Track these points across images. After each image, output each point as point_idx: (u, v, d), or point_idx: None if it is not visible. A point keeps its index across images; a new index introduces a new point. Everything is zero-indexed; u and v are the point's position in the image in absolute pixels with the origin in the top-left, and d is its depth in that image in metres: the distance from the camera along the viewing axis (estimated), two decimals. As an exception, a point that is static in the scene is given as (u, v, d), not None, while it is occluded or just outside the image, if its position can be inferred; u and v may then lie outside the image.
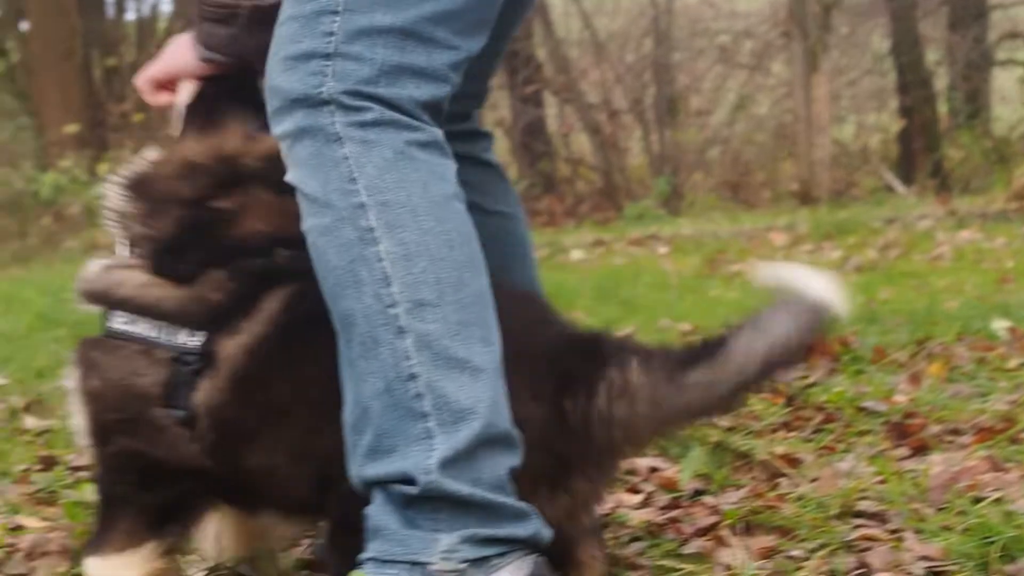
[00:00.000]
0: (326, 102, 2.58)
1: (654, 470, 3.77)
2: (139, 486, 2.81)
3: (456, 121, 3.19)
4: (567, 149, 19.00)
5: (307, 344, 2.74)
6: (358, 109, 2.58)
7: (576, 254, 11.96)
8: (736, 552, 3.11)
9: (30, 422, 4.81)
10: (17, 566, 3.29)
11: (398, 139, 2.59)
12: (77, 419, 2.88)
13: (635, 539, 3.29)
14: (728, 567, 3.04)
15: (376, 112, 2.58)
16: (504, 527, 2.55)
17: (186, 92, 3.07)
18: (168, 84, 3.11)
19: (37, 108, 18.89)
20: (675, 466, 3.77)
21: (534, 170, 18.31)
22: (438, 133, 2.66)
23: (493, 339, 2.60)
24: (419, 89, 2.62)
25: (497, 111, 18.22)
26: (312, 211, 2.60)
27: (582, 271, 10.26)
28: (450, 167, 2.66)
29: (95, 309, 2.90)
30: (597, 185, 18.71)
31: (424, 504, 2.52)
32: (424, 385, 2.52)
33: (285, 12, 2.68)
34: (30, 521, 3.63)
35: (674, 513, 3.44)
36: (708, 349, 2.72)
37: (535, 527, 2.58)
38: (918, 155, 18.70)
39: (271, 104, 2.66)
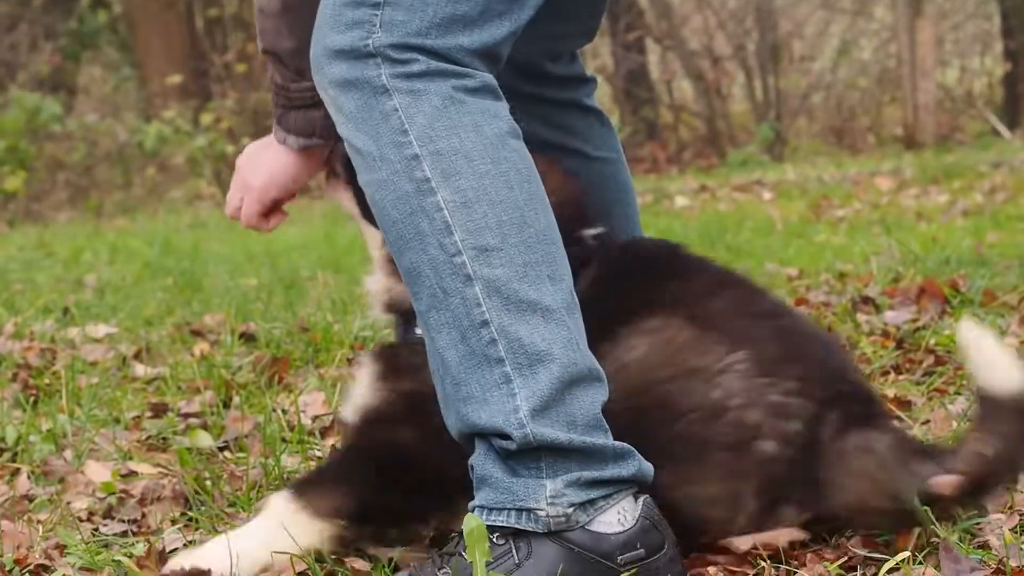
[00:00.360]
0: (372, 55, 2.54)
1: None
2: (383, 476, 2.81)
3: (560, 64, 3.21)
4: (670, 96, 18.90)
5: (615, 316, 2.78)
6: (404, 61, 2.54)
7: (680, 200, 11.91)
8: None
9: (140, 370, 4.84)
10: (130, 512, 3.32)
11: (445, 86, 2.54)
12: (360, 403, 2.90)
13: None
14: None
15: (422, 63, 2.54)
16: (607, 468, 2.54)
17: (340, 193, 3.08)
18: (276, 205, 3.07)
19: (140, 59, 19.02)
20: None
21: (637, 117, 18.25)
22: (489, 78, 2.60)
23: (562, 275, 2.58)
24: (470, 38, 2.57)
25: (599, 58, 18.17)
26: (367, 166, 2.58)
27: (686, 217, 10.21)
28: (503, 107, 2.61)
29: (388, 318, 3.02)
30: (700, 132, 18.63)
31: (524, 455, 2.52)
32: (497, 330, 2.51)
33: None
34: (142, 467, 3.66)
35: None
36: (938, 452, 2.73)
37: (638, 465, 2.57)
38: (1023, 99, 18.43)
39: (315, 55, 2.63)
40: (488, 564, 2.48)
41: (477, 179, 2.53)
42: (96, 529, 3.21)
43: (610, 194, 3.27)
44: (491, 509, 2.55)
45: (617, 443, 2.56)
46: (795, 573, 2.59)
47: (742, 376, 2.71)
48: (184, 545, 2.99)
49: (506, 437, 2.50)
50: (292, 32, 2.84)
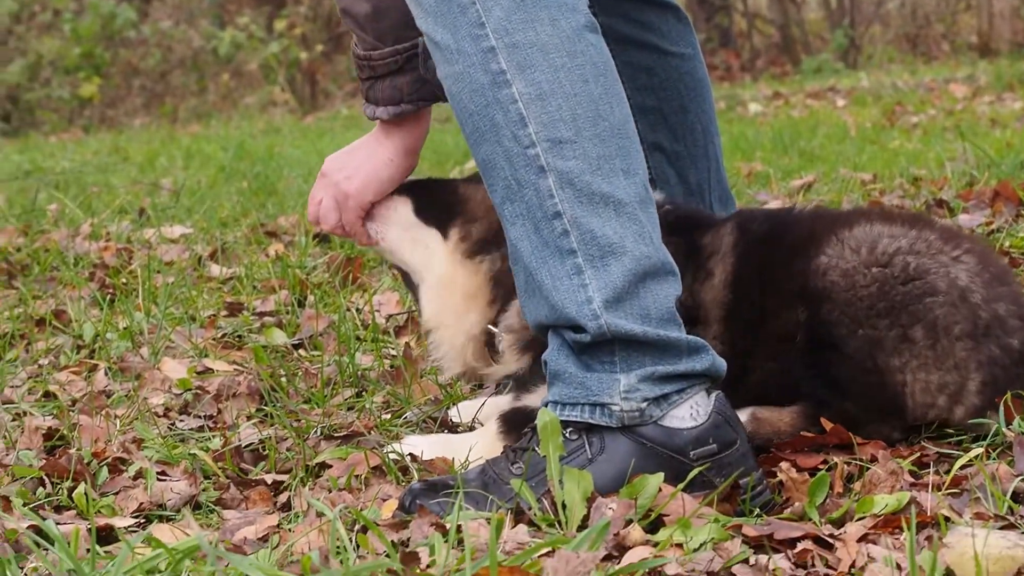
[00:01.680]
0: None
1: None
2: None
3: None
4: (743, 3, 18.70)
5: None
6: None
7: (754, 107, 11.84)
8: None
9: (215, 270, 4.88)
10: (206, 407, 3.36)
11: None
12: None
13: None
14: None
15: None
16: (681, 362, 2.55)
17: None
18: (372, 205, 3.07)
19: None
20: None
21: (710, 24, 18.08)
22: None
23: (636, 168, 2.59)
24: None
25: (672, -35, 17.99)
26: (444, 59, 2.59)
27: (760, 123, 10.14)
28: (579, 9, 2.60)
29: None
30: (774, 39, 18.44)
31: (598, 348, 2.54)
32: (570, 222, 2.52)
33: None
34: (218, 364, 3.70)
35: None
36: None
37: (711, 360, 2.59)
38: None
39: None
40: (561, 459, 2.50)
41: (552, 72, 2.53)
42: (172, 424, 3.26)
43: (686, 88, 3.30)
44: (564, 404, 2.57)
45: (691, 337, 2.57)
46: (868, 468, 2.59)
47: (977, 275, 2.80)
48: (260, 441, 3.04)
49: (580, 329, 2.53)
50: None
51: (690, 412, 2.55)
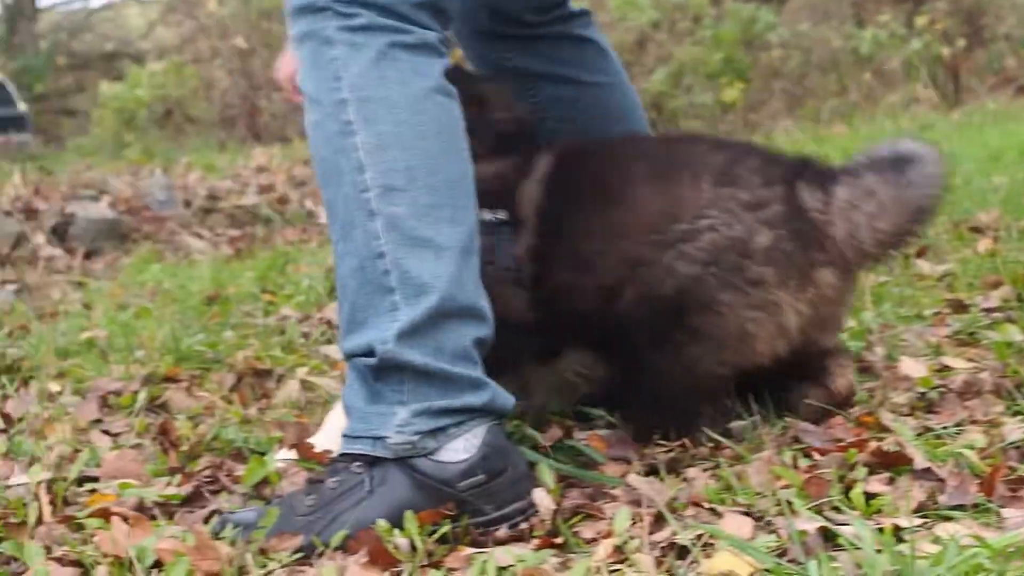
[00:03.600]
0: (323, 8, 2.78)
1: None
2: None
3: (547, 9, 3.52)
4: None
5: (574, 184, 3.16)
6: (349, 15, 2.77)
7: None
8: None
9: (924, 267, 4.83)
10: (950, 406, 3.30)
11: (383, 41, 2.76)
12: None
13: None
14: None
15: (365, 17, 2.76)
16: (460, 397, 2.73)
17: None
18: None
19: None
20: None
21: None
22: (429, 35, 2.82)
23: (464, 219, 2.78)
24: None
25: None
26: (308, 108, 2.83)
27: None
28: (436, 64, 2.82)
29: None
30: None
31: (387, 376, 2.72)
32: (391, 262, 2.72)
33: None
34: (956, 362, 3.64)
35: None
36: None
37: (491, 395, 2.76)
38: None
39: (285, 11, 2.88)
40: (341, 492, 2.72)
41: (394, 126, 2.75)
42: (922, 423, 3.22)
43: (611, 114, 3.56)
44: (353, 438, 2.77)
45: (477, 374, 2.76)
46: None
47: (713, 197, 3.01)
48: (1024, 438, 2.96)
49: (371, 354, 2.72)
50: None
51: (463, 445, 2.75)
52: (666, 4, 17.22)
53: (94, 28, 28.13)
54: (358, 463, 2.77)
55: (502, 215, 3.14)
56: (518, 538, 2.72)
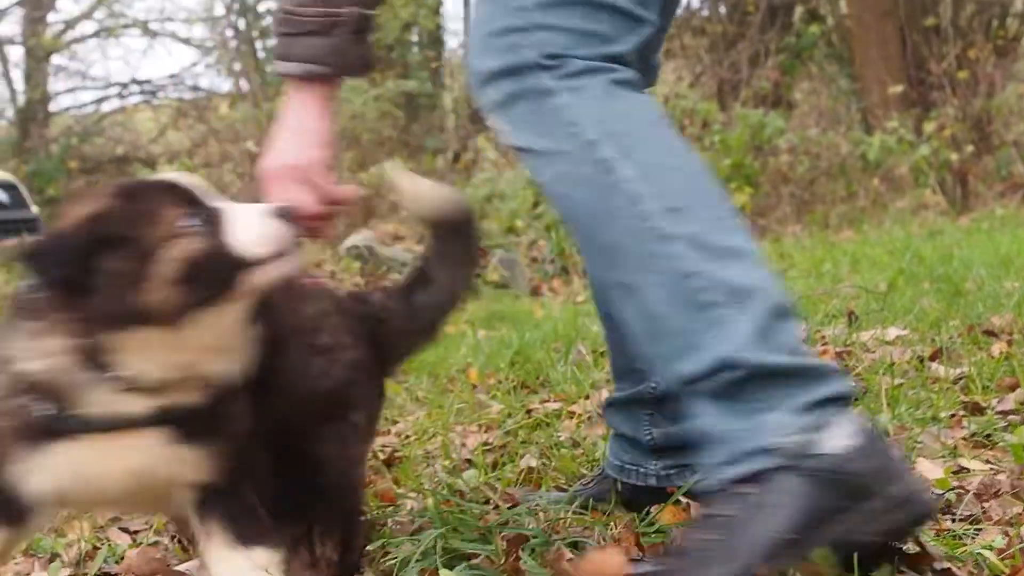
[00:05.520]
0: (530, 67, 2.75)
1: None
2: None
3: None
4: None
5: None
6: (560, 65, 2.74)
7: None
8: None
9: (939, 370, 4.84)
10: (968, 507, 3.30)
11: (603, 79, 2.75)
12: None
13: None
14: None
15: (578, 63, 2.75)
16: (822, 386, 2.64)
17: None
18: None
19: (857, 71, 19.13)
20: None
21: None
22: (632, 73, 2.81)
23: (740, 225, 2.75)
24: (608, 48, 2.79)
25: None
26: (544, 164, 2.78)
27: None
28: (651, 99, 2.85)
29: None
30: None
31: (750, 385, 2.63)
32: (706, 279, 2.65)
33: None
34: (973, 464, 3.64)
35: None
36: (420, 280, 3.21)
37: (843, 378, 2.70)
38: None
39: (474, 82, 2.83)
40: (742, 519, 2.58)
41: (651, 153, 2.73)
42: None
43: None
44: (729, 464, 2.65)
45: (825, 362, 2.72)
46: None
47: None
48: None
49: (733, 367, 2.62)
50: None
51: (842, 431, 2.62)
52: (675, 110, 17.31)
53: (105, 132, 28.25)
54: (746, 484, 2.65)
55: None
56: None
